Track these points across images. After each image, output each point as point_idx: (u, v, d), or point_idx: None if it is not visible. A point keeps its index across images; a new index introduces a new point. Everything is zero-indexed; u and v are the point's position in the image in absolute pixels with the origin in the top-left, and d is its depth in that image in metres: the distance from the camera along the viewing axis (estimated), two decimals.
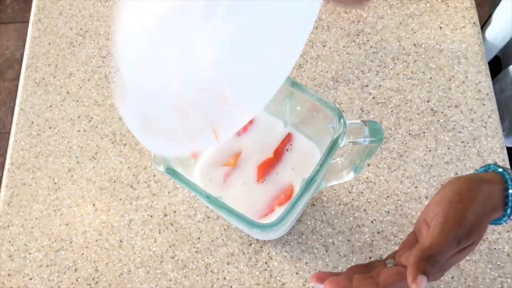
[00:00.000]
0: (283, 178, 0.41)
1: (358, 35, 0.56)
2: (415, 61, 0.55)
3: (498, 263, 0.46)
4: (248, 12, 0.24)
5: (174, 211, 0.50)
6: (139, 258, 0.49)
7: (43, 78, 0.57)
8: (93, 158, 0.53)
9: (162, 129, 0.29)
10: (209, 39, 0.24)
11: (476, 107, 0.52)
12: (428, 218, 0.33)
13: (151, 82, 0.27)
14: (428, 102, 0.53)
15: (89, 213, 0.51)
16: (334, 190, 0.50)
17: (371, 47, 0.56)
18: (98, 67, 0.58)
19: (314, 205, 0.50)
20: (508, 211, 0.33)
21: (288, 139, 0.42)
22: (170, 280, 0.48)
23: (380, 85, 0.54)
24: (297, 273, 0.47)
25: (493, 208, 0.33)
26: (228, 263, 0.48)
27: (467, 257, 0.46)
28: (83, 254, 0.49)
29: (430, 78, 0.54)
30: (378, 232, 0.48)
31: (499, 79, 0.62)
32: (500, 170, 0.34)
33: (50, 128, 0.55)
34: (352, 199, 0.49)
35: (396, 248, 0.47)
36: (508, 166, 0.49)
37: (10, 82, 1.46)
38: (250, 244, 0.49)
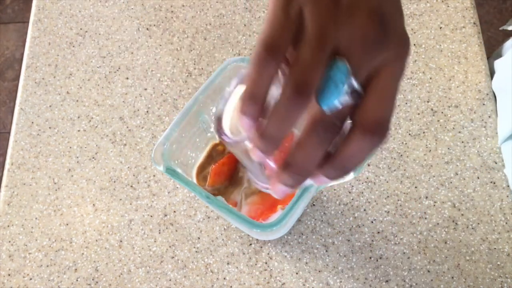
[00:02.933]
0: None
1: None
2: (415, 61, 0.55)
3: (498, 263, 0.46)
4: None
5: (174, 211, 0.50)
6: (139, 258, 0.49)
7: (43, 78, 0.57)
8: (93, 158, 0.53)
9: None
10: None
11: (476, 107, 0.52)
12: None
13: None
14: (428, 102, 0.53)
15: (89, 213, 0.51)
16: (334, 190, 0.50)
17: None
18: (98, 67, 0.58)
19: (314, 205, 0.50)
20: None
21: (289, 139, 0.42)
22: (170, 280, 0.48)
23: None
24: (297, 273, 0.47)
25: None
26: (228, 263, 0.48)
27: (467, 257, 0.46)
28: (83, 254, 0.49)
29: (430, 78, 0.54)
30: (378, 232, 0.48)
31: None
32: None
33: (50, 128, 0.55)
34: (352, 199, 0.50)
35: (396, 248, 0.48)
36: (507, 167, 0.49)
37: (10, 82, 1.46)
38: (250, 244, 0.49)
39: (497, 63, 0.53)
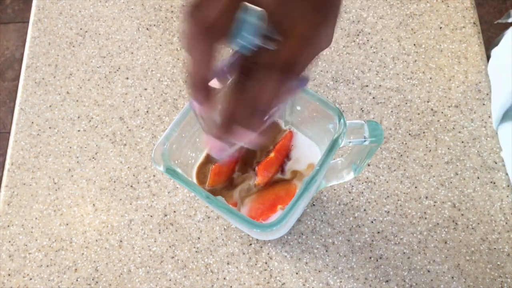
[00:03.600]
0: (284, 177, 0.41)
1: (358, 35, 0.56)
2: (415, 61, 0.55)
3: (498, 263, 0.46)
4: None
5: (174, 211, 0.50)
6: (139, 258, 0.49)
7: (43, 78, 0.57)
8: (93, 158, 0.53)
9: None
10: None
11: (476, 107, 0.52)
12: None
13: None
14: (428, 102, 0.53)
15: (89, 213, 0.51)
16: (334, 190, 0.50)
17: (371, 47, 0.56)
18: (98, 67, 0.58)
19: (314, 205, 0.50)
20: None
21: (288, 138, 0.42)
22: (170, 280, 0.48)
23: (380, 85, 0.54)
24: (297, 273, 0.47)
25: None
26: (228, 263, 0.48)
27: (467, 257, 0.46)
28: (83, 254, 0.49)
29: (430, 78, 0.54)
30: (378, 232, 0.48)
31: None
32: None
33: (50, 128, 0.55)
34: (352, 199, 0.50)
35: (396, 248, 0.48)
36: (507, 166, 0.49)
37: (10, 82, 1.46)
38: (250, 244, 0.49)
39: (494, 51, 0.54)
